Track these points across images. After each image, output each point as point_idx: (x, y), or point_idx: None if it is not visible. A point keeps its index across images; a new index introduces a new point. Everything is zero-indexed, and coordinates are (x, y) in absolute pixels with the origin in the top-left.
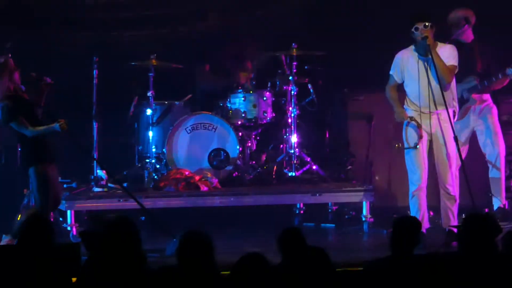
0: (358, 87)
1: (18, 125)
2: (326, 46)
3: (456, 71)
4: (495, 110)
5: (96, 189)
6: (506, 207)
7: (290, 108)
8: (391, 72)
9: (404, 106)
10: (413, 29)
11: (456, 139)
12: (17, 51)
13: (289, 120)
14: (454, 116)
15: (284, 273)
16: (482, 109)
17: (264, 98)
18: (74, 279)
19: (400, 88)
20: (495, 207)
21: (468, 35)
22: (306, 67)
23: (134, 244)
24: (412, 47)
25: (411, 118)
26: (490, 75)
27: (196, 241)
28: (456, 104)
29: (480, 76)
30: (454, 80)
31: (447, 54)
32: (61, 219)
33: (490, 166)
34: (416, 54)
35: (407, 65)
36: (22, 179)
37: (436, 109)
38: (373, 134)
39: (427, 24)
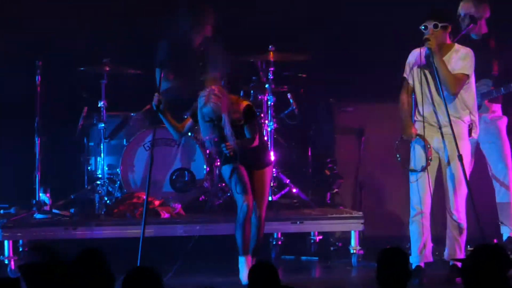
0: (347, 96)
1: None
2: (310, 50)
3: (466, 81)
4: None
5: (39, 216)
6: None
7: (267, 121)
8: (404, 75)
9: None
10: (421, 27)
11: (460, 158)
12: None
13: (265, 135)
14: (469, 132)
15: None
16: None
17: None
18: None
19: None
20: (504, 237)
21: (478, 30)
22: (285, 73)
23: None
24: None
25: (421, 136)
26: (509, 81)
27: (143, 279)
28: (473, 117)
29: (496, 80)
30: (473, 90)
31: (458, 59)
32: None
33: (496, 188)
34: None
35: (414, 67)
36: None
37: (443, 121)
38: (364, 151)
39: (437, 24)
